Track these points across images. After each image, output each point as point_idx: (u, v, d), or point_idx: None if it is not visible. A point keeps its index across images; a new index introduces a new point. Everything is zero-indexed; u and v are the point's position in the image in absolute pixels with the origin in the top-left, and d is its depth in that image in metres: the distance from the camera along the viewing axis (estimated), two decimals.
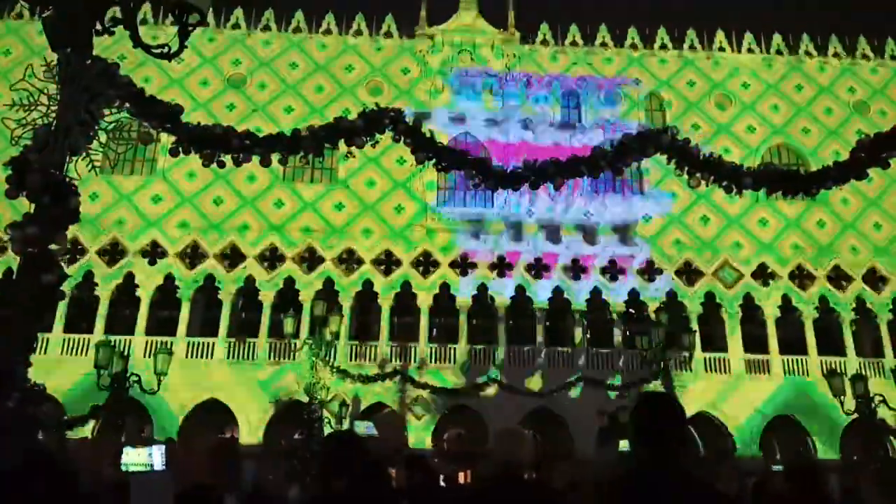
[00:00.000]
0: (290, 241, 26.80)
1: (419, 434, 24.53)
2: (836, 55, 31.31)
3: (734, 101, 30.26)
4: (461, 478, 23.64)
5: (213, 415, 24.32)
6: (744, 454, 24.32)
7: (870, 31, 31.53)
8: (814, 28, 31.65)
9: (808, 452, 24.99)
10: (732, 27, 31.61)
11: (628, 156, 5.73)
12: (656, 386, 18.34)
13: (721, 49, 31.26)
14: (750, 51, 31.32)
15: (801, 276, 27.35)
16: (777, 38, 31.48)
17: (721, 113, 29.99)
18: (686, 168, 5.80)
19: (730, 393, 25.28)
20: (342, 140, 6.02)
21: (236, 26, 30.39)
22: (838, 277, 27.35)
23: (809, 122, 29.87)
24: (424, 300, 26.44)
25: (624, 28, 31.29)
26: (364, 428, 20.24)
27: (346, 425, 21.38)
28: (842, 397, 16.70)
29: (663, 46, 31.14)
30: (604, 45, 31.03)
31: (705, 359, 26.00)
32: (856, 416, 16.91)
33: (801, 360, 26.20)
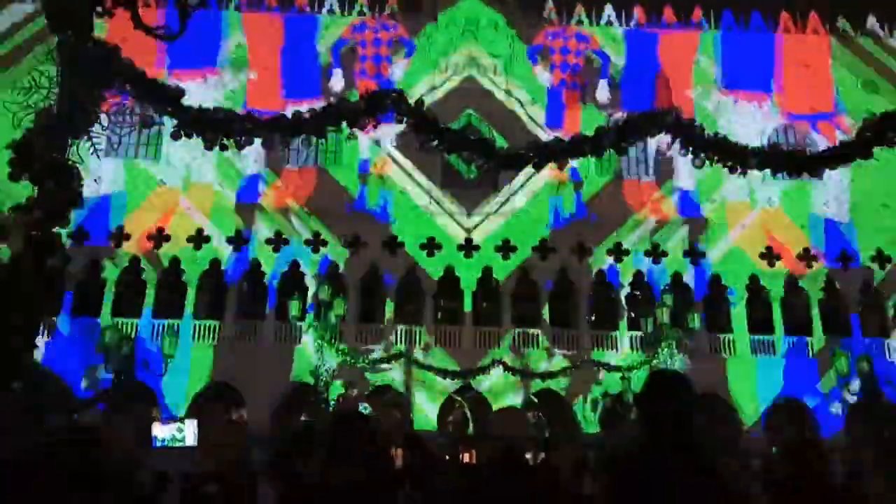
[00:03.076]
0: (297, 224, 26.83)
1: (424, 415, 24.68)
2: (843, 32, 30.87)
3: (742, 81, 29.92)
4: (465, 458, 23.82)
5: (220, 397, 24.49)
6: (747, 435, 24.42)
7: (878, 6, 30.96)
8: (820, 4, 31.04)
9: (811, 433, 25.06)
10: (740, 6, 31.18)
11: (633, 135, 5.70)
12: (659, 366, 18.35)
13: (728, 28, 30.87)
14: (757, 29, 30.92)
15: (807, 258, 27.23)
16: (784, 17, 31.06)
17: (729, 92, 29.69)
18: (691, 148, 5.76)
19: (735, 374, 25.30)
20: (344, 122, 6.00)
21: (238, 7, 30.10)
22: (844, 258, 27.23)
23: (816, 102, 29.53)
24: (430, 283, 26.49)
25: (630, 7, 30.93)
26: (363, 410, 20.39)
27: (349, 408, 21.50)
28: (847, 378, 16.74)
29: (670, 26, 30.77)
30: (609, 23, 30.69)
31: (710, 340, 26.01)
32: (861, 395, 16.99)
33: (807, 340, 26.20)
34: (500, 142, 25.80)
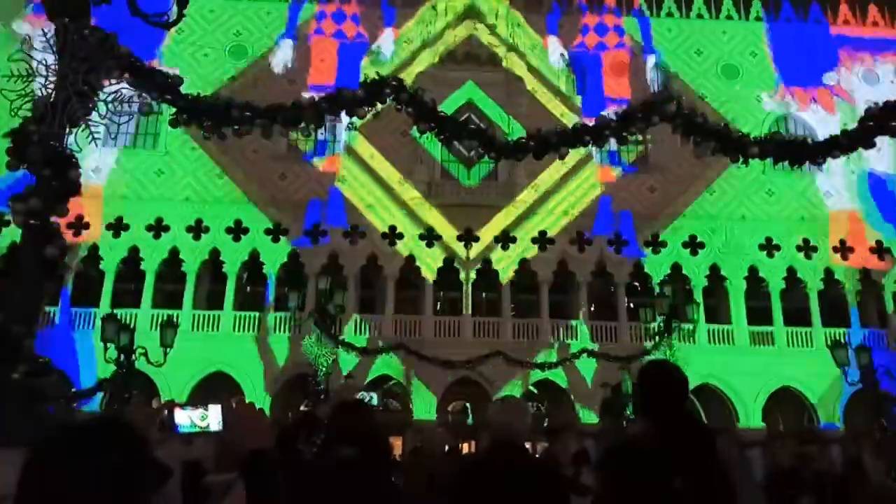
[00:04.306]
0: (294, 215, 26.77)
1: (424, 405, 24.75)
2: (846, 22, 30.73)
3: (742, 71, 29.82)
4: (465, 448, 23.90)
5: (219, 387, 24.54)
6: (746, 425, 24.53)
7: None
8: None
9: (811, 423, 25.18)
10: None
11: (633, 125, 5.67)
12: (659, 356, 18.36)
13: (729, 17, 30.74)
14: (758, 19, 30.78)
15: (806, 248, 27.24)
16: (785, 6, 30.90)
17: (728, 82, 29.58)
18: (692, 137, 5.74)
19: (733, 365, 25.33)
20: (344, 111, 5.97)
21: None
22: (843, 248, 27.23)
23: (817, 91, 29.42)
24: (429, 273, 26.50)
25: None
26: (367, 399, 20.41)
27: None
28: (846, 368, 16.76)
29: (670, 14, 30.64)
30: (610, 12, 30.53)
31: (709, 331, 26.05)
32: (860, 386, 17.02)
33: (806, 331, 26.24)
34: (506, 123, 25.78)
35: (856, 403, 22.90)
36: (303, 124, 5.67)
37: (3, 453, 3.33)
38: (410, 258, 26.61)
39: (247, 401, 24.29)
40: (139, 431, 1.55)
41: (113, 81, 5.36)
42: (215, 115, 5.49)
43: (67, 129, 4.84)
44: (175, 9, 5.15)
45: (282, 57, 28.26)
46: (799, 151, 5.63)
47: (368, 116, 6.26)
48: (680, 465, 2.69)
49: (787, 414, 25.78)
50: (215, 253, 26.28)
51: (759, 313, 26.69)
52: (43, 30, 5.04)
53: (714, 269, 26.97)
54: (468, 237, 26.86)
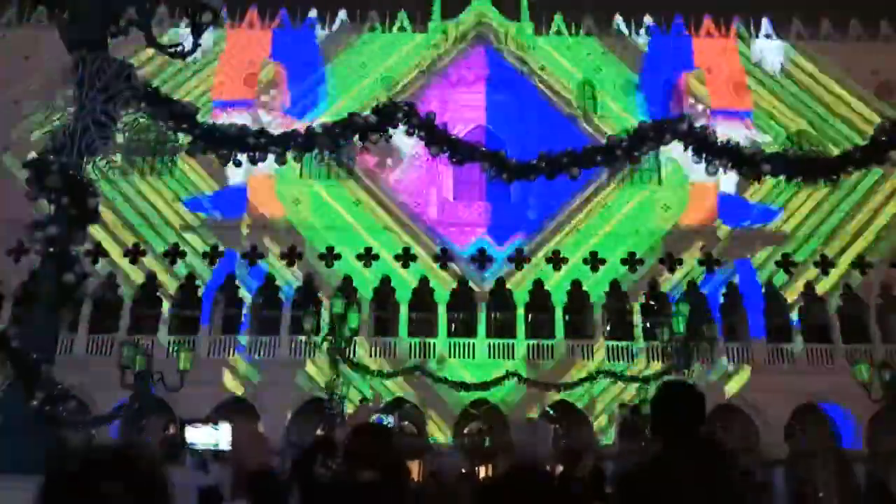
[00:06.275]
0: (310, 239, 26.92)
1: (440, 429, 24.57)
2: (858, 38, 30.62)
3: (753, 89, 29.78)
4: (482, 472, 23.69)
5: (235, 412, 24.53)
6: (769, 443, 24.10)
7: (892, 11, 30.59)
8: (834, 9, 30.75)
9: (833, 441, 24.71)
10: (749, 13, 31.05)
11: (644, 144, 5.68)
12: (682, 376, 18.16)
13: (739, 36, 30.76)
14: (768, 37, 30.77)
15: (825, 263, 26.92)
16: (796, 24, 30.88)
17: (739, 100, 29.52)
18: (704, 155, 5.74)
19: (753, 382, 24.97)
20: (357, 136, 6.03)
21: (251, 25, 30.38)
22: (862, 264, 26.88)
23: (830, 108, 29.27)
24: (442, 295, 26.47)
25: (640, 16, 30.83)
26: (384, 422, 20.29)
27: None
28: (868, 385, 16.47)
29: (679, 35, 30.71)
30: (619, 33, 30.65)
31: (728, 349, 25.73)
32: (882, 404, 16.70)
33: (826, 348, 25.85)
34: None
35: (880, 422, 22.50)
36: (316, 151, 5.74)
37: (21, 480, 3.36)
38: (424, 279, 26.60)
39: (260, 425, 24.29)
40: (151, 462, 1.56)
41: (130, 110, 5.47)
42: (231, 142, 5.58)
43: (86, 158, 4.93)
44: (190, 40, 5.26)
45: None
46: (811, 168, 5.61)
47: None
48: (693, 486, 2.67)
49: (810, 432, 25.32)
50: (231, 278, 26.46)
51: (778, 330, 26.36)
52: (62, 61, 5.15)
53: (731, 286, 26.71)
54: (482, 258, 26.85)
